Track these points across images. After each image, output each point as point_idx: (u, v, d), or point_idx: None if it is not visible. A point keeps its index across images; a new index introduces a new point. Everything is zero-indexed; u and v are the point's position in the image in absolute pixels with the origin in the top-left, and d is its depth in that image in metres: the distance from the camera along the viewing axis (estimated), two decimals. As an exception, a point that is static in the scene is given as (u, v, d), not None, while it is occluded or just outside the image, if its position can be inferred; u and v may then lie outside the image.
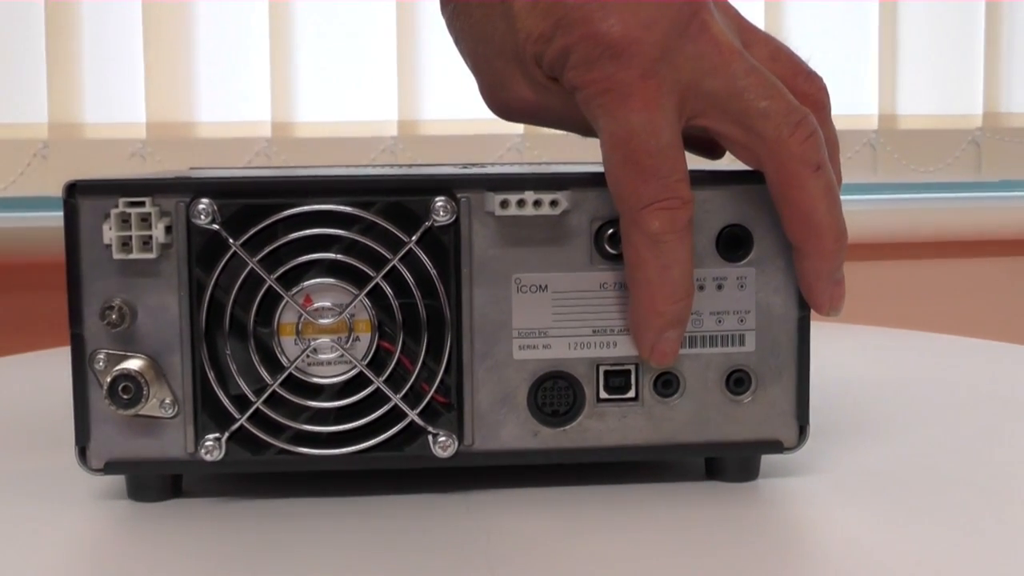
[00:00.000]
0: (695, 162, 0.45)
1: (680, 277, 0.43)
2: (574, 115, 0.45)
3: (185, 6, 1.20)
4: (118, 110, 1.20)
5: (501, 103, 0.48)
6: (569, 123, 0.47)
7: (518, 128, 1.26)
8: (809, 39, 1.25)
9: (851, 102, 1.28)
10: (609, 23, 0.42)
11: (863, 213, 1.31)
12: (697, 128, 0.44)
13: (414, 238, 0.43)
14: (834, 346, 0.78)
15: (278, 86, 1.22)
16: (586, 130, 0.46)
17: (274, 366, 0.44)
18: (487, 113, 0.50)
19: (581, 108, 0.44)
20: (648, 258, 0.43)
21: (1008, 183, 1.38)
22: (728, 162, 0.47)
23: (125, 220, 0.43)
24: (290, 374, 0.44)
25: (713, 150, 0.49)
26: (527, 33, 0.44)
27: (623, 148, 0.42)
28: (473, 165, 0.57)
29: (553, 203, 0.44)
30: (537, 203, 0.44)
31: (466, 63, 0.49)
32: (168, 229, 0.43)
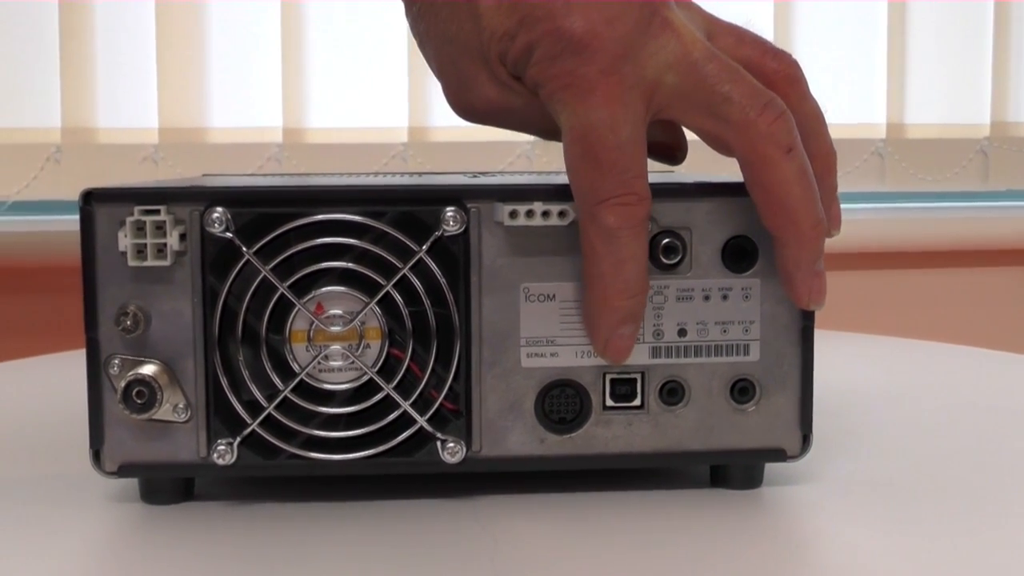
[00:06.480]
0: (701, 173, 0.46)
1: (634, 273, 0.43)
2: (537, 116, 0.45)
3: (198, 12, 1.21)
4: (131, 115, 1.21)
5: (466, 104, 0.48)
6: (532, 124, 0.47)
7: (528, 136, 1.26)
8: (818, 49, 1.25)
9: (859, 111, 1.28)
10: (572, 19, 0.42)
11: (871, 222, 1.31)
12: (665, 122, 0.44)
13: (424, 247, 0.44)
14: (839, 355, 0.78)
15: (289, 92, 1.23)
16: (548, 132, 0.46)
17: (285, 372, 0.44)
18: None
19: (544, 104, 0.44)
20: (603, 253, 0.43)
21: (1015, 192, 1.39)
22: (701, 171, 0.47)
23: (140, 228, 0.43)
24: (301, 380, 0.44)
25: (673, 156, 0.50)
26: (492, 31, 0.45)
27: (582, 143, 0.42)
28: (482, 174, 0.57)
29: (561, 214, 0.44)
30: (546, 214, 0.44)
31: (430, 65, 0.49)
32: (182, 237, 0.44)
